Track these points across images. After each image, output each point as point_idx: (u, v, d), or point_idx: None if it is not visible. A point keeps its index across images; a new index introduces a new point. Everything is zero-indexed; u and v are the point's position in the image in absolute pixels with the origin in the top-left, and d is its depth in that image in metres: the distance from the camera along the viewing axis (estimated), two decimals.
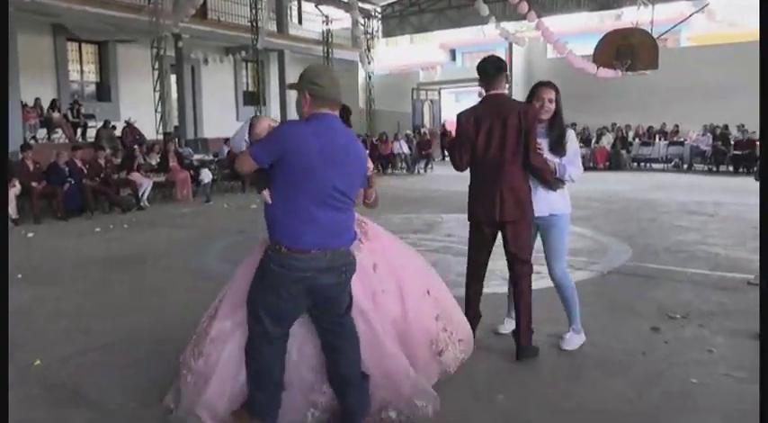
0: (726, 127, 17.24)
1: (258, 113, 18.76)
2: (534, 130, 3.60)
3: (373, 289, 2.95)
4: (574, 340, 3.88)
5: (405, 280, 3.06)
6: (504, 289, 4.20)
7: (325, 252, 2.53)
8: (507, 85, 3.83)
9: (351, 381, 2.74)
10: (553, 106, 3.76)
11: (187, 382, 2.88)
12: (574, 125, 18.38)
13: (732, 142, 16.77)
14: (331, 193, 2.51)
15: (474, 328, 3.72)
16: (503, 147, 3.58)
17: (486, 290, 4.02)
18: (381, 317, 2.91)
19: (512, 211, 3.61)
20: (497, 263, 4.23)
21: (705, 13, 22.10)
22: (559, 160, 3.73)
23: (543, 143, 3.72)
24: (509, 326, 4.04)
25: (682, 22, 20.47)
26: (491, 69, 3.69)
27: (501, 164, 3.60)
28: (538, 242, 3.88)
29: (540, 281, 4.32)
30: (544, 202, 3.72)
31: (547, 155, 3.71)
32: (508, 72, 3.91)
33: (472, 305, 3.87)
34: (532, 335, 3.74)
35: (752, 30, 22.02)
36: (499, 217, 3.62)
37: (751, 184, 5.55)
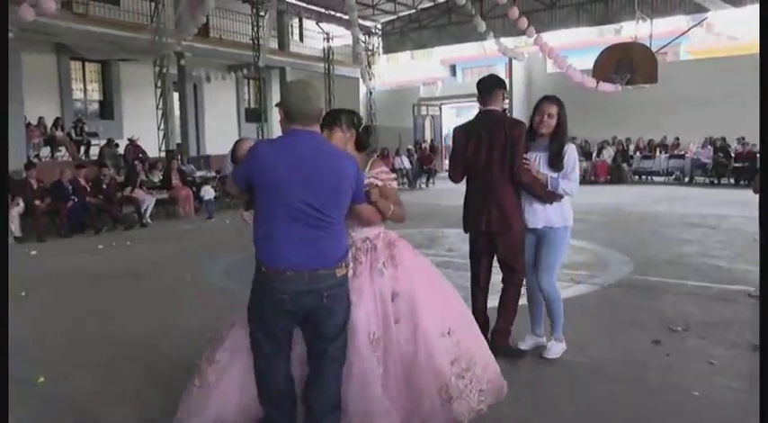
0: (724, 139, 17.28)
1: (260, 130, 18.91)
2: (519, 146, 3.72)
3: (387, 319, 2.76)
4: (556, 349, 3.95)
5: (424, 316, 2.81)
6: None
7: (302, 273, 2.44)
8: (506, 102, 3.89)
9: (317, 411, 2.61)
10: (554, 121, 3.80)
11: (194, 385, 2.84)
12: (574, 139, 18.47)
13: (733, 155, 16.81)
14: (304, 210, 2.43)
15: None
16: (489, 161, 3.78)
17: (489, 304, 4.05)
18: (388, 351, 2.73)
19: (497, 224, 3.79)
20: (500, 277, 4.24)
21: (704, 27, 22.30)
22: (556, 175, 3.77)
23: (542, 157, 3.81)
24: (530, 341, 4.09)
25: (681, 35, 20.62)
26: (487, 86, 3.92)
27: (488, 177, 3.81)
28: None
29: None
30: (540, 214, 3.81)
31: (544, 169, 3.78)
32: (507, 89, 4.00)
33: (476, 313, 3.92)
34: (509, 336, 3.91)
35: (750, 43, 22.17)
36: (485, 228, 3.83)
37: (752, 197, 5.58)
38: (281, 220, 2.46)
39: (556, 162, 3.78)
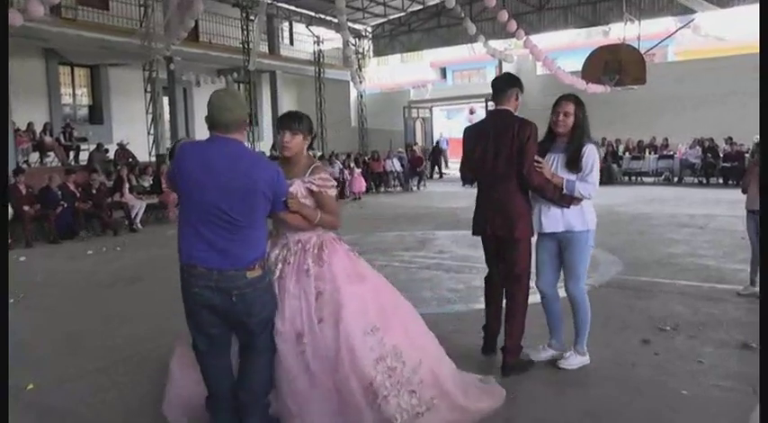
0: (711, 140, 17.42)
1: (251, 134, 18.87)
2: (528, 148, 3.55)
3: (311, 318, 2.80)
4: (574, 360, 3.78)
5: (346, 314, 2.78)
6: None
7: (211, 271, 2.58)
8: (517, 102, 3.74)
9: (246, 405, 2.77)
10: (570, 120, 3.64)
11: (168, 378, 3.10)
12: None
13: (721, 155, 16.94)
14: (215, 213, 2.57)
15: (488, 339, 3.90)
16: (496, 163, 3.64)
17: (479, 306, 4.05)
18: (315, 349, 2.77)
19: (500, 228, 3.68)
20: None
21: (691, 28, 22.46)
22: (574, 177, 3.60)
23: (560, 158, 3.66)
24: (544, 353, 3.94)
25: (668, 37, 20.80)
26: (499, 86, 3.78)
27: (494, 179, 3.68)
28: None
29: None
30: (559, 218, 3.66)
31: (561, 171, 3.64)
32: (522, 88, 3.77)
33: (487, 318, 3.96)
34: (520, 351, 3.77)
35: (737, 44, 22.38)
36: (490, 231, 3.73)
37: (740, 196, 5.64)
38: (195, 220, 2.62)
39: (573, 163, 3.61)
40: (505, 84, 3.76)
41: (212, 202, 2.57)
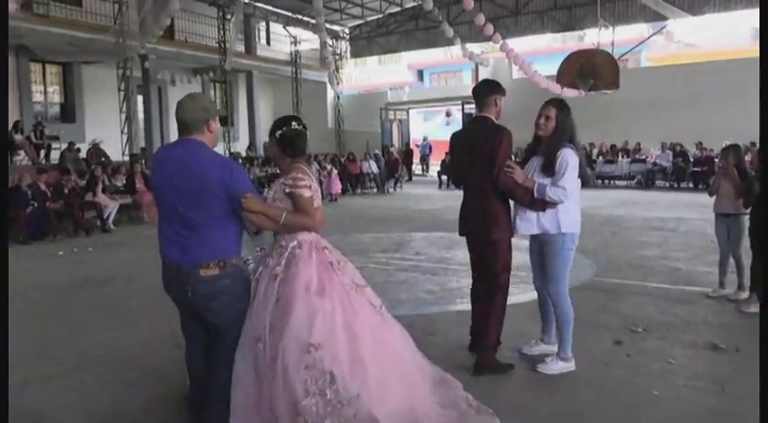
0: (681, 145, 17.74)
1: (226, 134, 18.73)
2: (500, 152, 3.62)
3: (266, 324, 2.74)
4: (554, 366, 3.77)
5: (291, 325, 2.68)
6: (470, 306, 4.23)
7: (172, 266, 2.77)
8: (497, 108, 3.80)
9: (208, 397, 2.85)
10: (551, 124, 3.69)
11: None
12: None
13: (691, 159, 17.27)
14: (174, 211, 2.74)
15: (474, 338, 3.93)
16: (473, 168, 3.77)
17: (454, 308, 4.08)
18: (264, 355, 2.71)
19: (477, 230, 3.80)
20: (467, 281, 4.29)
21: (664, 35, 22.87)
22: (548, 181, 3.63)
23: (538, 162, 3.71)
24: (536, 348, 4.02)
25: (641, 43, 21.12)
26: (478, 93, 3.87)
27: (472, 183, 3.82)
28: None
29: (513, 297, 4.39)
30: (534, 221, 3.70)
31: (537, 175, 3.68)
32: (503, 93, 3.83)
33: (472, 316, 3.99)
34: (494, 351, 3.80)
35: (708, 51, 22.82)
36: (468, 232, 3.87)
37: (709, 200, 5.76)
38: (162, 218, 2.83)
39: (547, 167, 3.64)
40: (484, 91, 3.85)
41: (171, 202, 2.74)
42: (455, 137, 4.03)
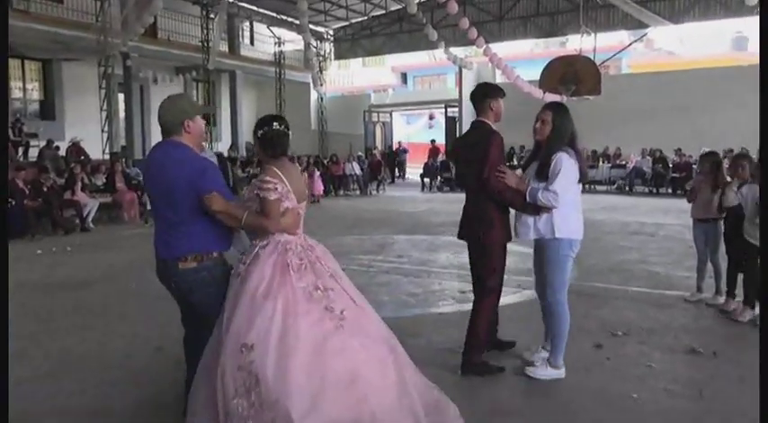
0: (660, 151, 17.96)
1: (209, 134, 18.59)
2: (489, 156, 3.64)
3: (226, 318, 2.74)
4: (542, 371, 3.76)
5: (233, 322, 2.67)
6: (452, 308, 4.26)
7: (160, 260, 2.95)
8: (493, 111, 3.81)
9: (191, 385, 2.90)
10: (547, 128, 3.69)
11: None
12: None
13: (671, 165, 17.50)
14: (157, 207, 2.96)
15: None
16: (468, 172, 3.83)
17: (437, 310, 4.08)
18: (219, 349, 2.70)
19: (469, 232, 3.87)
20: (450, 283, 4.30)
21: (644, 43, 23.19)
22: (539, 185, 3.61)
23: (534, 167, 3.72)
24: (537, 355, 3.99)
25: (622, 50, 21.39)
26: (474, 97, 3.91)
27: (468, 186, 3.89)
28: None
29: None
30: (530, 225, 3.70)
31: (533, 179, 3.67)
32: (500, 96, 3.87)
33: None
34: (479, 352, 3.83)
35: (688, 59, 23.18)
36: (464, 235, 3.93)
37: (688, 206, 5.85)
38: (153, 215, 3.05)
39: (541, 171, 3.62)
40: (479, 95, 3.88)
41: (153, 200, 2.98)
42: (456, 142, 4.17)
